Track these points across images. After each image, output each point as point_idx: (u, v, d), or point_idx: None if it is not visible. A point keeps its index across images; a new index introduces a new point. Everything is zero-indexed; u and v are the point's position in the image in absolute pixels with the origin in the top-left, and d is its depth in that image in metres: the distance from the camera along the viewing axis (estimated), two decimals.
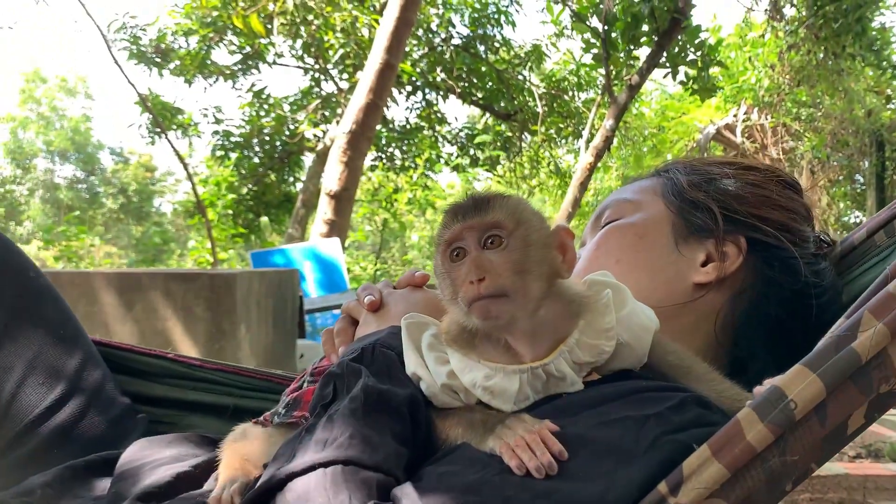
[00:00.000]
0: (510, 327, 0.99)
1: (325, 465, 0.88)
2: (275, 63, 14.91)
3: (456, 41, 14.56)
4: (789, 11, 12.36)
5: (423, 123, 15.46)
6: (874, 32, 12.13)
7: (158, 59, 13.82)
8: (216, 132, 14.51)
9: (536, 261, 0.99)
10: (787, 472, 0.87)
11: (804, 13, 11.29)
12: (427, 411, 1.03)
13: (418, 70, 14.23)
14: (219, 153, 14.51)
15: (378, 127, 13.51)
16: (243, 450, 1.19)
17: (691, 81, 10.74)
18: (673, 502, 0.84)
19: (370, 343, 1.10)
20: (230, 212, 14.12)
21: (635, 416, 0.92)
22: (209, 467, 1.29)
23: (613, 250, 1.38)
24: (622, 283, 1.09)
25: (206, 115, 14.53)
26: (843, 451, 5.20)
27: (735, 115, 15.67)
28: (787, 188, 1.40)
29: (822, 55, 12.17)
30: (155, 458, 1.37)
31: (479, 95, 15.16)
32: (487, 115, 16.19)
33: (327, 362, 1.34)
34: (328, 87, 15.11)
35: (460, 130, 16.39)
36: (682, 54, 10.48)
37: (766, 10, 12.21)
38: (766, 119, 15.06)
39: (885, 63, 13.22)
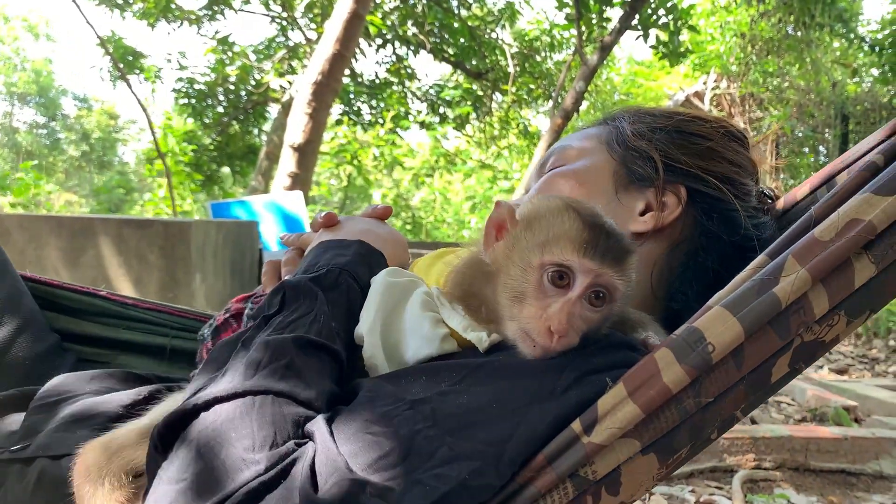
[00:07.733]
0: None
1: (254, 392, 0.84)
2: (241, 10, 14.52)
3: None
4: None
5: (392, 78, 15.18)
6: (843, 3, 12.17)
7: (120, 1, 13.33)
8: (180, 79, 14.11)
9: (609, 316, 1.00)
10: (708, 417, 0.86)
11: None
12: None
13: (388, 23, 13.95)
14: (182, 101, 14.12)
15: (345, 80, 13.27)
16: None
17: (661, 46, 10.71)
18: (586, 441, 0.83)
19: (337, 266, 1.07)
20: (186, 168, 13.61)
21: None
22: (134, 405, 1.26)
23: None
24: None
25: (169, 61, 14.12)
26: (790, 415, 5.33)
27: (704, 83, 15.70)
28: (734, 141, 1.37)
29: (791, 26, 12.19)
30: (75, 391, 1.34)
31: (451, 52, 14.90)
32: (458, 72, 15.96)
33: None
34: (295, 37, 14.77)
35: (430, 87, 16.16)
36: (654, 17, 10.43)
37: None
38: (735, 88, 15.12)
39: (852, 35, 13.29)
